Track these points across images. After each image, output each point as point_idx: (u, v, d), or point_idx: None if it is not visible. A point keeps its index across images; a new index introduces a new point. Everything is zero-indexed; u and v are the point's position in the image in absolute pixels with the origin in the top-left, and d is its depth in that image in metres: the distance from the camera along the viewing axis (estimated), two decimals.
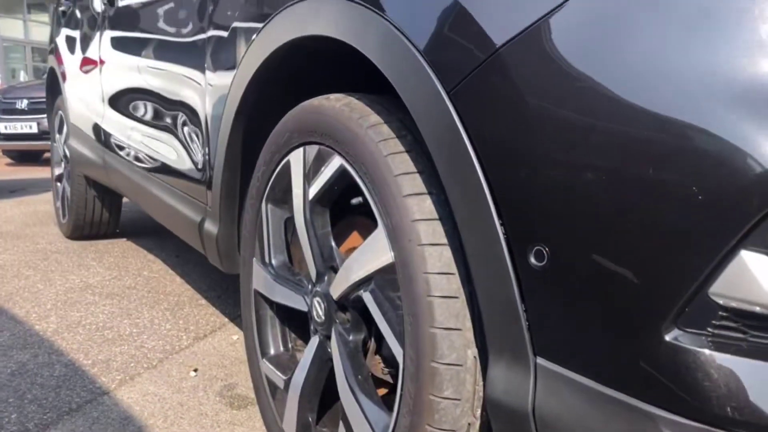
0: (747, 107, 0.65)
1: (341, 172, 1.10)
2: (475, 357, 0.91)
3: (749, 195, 0.64)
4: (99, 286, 2.64)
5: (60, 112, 3.48)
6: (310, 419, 1.25)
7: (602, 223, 0.72)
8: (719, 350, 0.67)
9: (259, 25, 1.29)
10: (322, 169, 1.15)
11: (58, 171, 3.65)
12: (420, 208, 0.94)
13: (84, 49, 2.87)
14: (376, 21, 0.97)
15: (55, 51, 3.50)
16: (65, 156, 3.43)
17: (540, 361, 0.80)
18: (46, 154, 9.56)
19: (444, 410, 0.90)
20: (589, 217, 0.73)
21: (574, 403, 0.76)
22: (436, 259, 0.91)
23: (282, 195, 1.31)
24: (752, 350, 0.67)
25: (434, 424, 0.91)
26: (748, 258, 0.65)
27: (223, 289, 2.61)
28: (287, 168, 1.26)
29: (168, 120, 1.89)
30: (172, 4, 1.86)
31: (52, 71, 3.54)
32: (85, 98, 2.89)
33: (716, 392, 0.66)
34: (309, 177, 1.19)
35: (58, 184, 3.64)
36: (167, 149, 1.92)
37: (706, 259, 0.66)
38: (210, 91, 1.55)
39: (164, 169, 1.98)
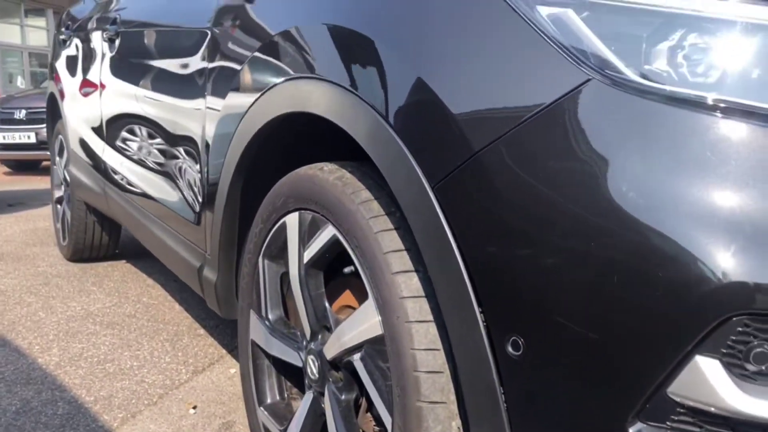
0: (707, 228, 0.71)
1: (334, 242, 1.16)
2: (459, 428, 0.97)
3: (704, 306, 0.71)
4: (100, 314, 2.70)
5: (60, 136, 3.53)
6: None
7: (572, 323, 0.78)
8: None
9: (257, 94, 1.35)
10: (317, 235, 1.21)
11: (58, 193, 3.71)
12: (407, 285, 1.00)
13: (83, 77, 2.93)
14: (365, 110, 1.03)
15: (54, 76, 3.56)
16: (65, 180, 3.48)
17: None
18: (45, 163, 9.60)
19: None
20: (560, 316, 0.79)
21: None
22: (423, 336, 0.98)
23: (278, 252, 1.37)
24: None
25: None
26: (702, 363, 0.71)
27: (220, 318, 2.67)
28: (283, 228, 1.32)
29: (169, 166, 1.95)
30: (172, 64, 1.92)
31: (52, 96, 3.60)
32: (86, 127, 2.95)
33: None
34: (304, 241, 1.25)
35: (59, 206, 3.70)
36: (168, 193, 1.98)
37: (665, 363, 0.73)
38: (210, 142, 1.61)
39: (164, 212, 2.04)
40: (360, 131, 1.05)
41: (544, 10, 0.85)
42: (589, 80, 0.79)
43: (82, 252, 3.46)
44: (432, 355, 0.97)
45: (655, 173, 0.75)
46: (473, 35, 0.91)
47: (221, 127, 1.54)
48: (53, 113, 3.66)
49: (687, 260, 0.71)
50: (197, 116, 1.68)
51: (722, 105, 0.74)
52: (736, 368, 0.71)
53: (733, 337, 0.71)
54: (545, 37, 0.84)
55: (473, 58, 0.91)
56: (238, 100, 1.45)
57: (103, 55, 2.59)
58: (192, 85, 1.73)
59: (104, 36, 2.57)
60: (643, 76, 0.78)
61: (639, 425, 0.75)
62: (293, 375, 1.44)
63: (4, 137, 8.86)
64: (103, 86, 2.62)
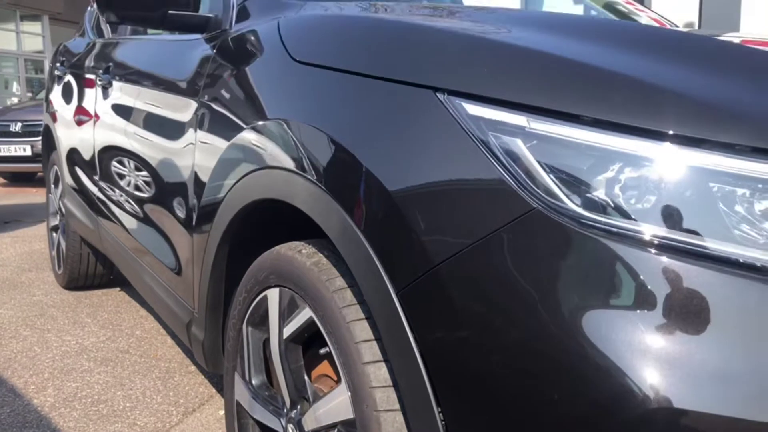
0: (628, 354, 0.79)
1: (311, 323, 1.24)
2: None
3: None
4: (94, 349, 2.77)
5: (55, 166, 3.60)
6: None
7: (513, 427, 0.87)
8: None
9: (241, 174, 1.42)
10: (295, 313, 1.29)
11: (53, 222, 3.78)
12: (376, 376, 1.08)
13: (77, 118, 3.00)
14: (339, 212, 1.10)
15: (49, 107, 3.64)
16: (60, 210, 3.56)
17: None
18: (40, 174, 9.66)
19: None
20: (510, 425, 0.88)
21: None
22: (390, 424, 1.05)
23: (260, 320, 1.45)
24: None
25: None
26: None
27: None
28: (265, 300, 1.40)
29: (160, 222, 2.02)
30: (160, 128, 1.99)
31: (47, 128, 3.67)
32: (80, 164, 3.02)
33: None
34: (284, 317, 1.33)
35: (54, 234, 3.76)
36: (160, 247, 2.06)
37: None
38: (196, 213, 1.69)
39: (156, 264, 2.11)
40: (334, 230, 1.12)
41: (495, 138, 0.93)
42: (533, 209, 0.87)
43: (77, 281, 3.53)
44: None
45: (592, 300, 0.83)
46: (435, 157, 0.99)
47: (208, 198, 1.62)
48: (48, 144, 3.73)
49: (615, 384, 0.79)
50: (186, 174, 1.76)
51: (655, 241, 0.82)
52: None
53: None
54: (496, 164, 0.92)
55: (435, 177, 0.98)
56: (223, 178, 1.52)
57: (96, 99, 2.67)
58: (180, 147, 1.81)
59: (97, 81, 2.64)
60: (583, 207, 0.86)
61: None
62: None
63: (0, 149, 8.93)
64: (95, 128, 2.69)
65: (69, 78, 3.22)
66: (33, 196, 8.15)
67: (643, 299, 0.81)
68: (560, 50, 0.99)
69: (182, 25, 1.82)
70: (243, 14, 1.69)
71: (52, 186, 3.76)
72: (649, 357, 0.79)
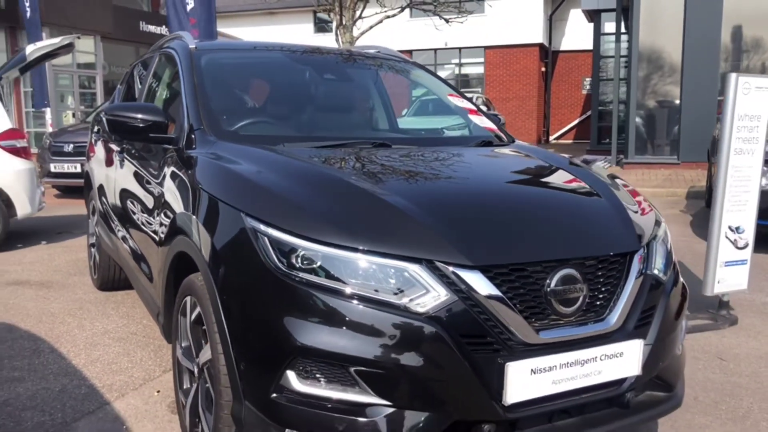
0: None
1: (200, 315, 2.52)
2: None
3: (284, 352, 2.06)
4: (113, 331, 4.12)
5: (92, 201, 4.99)
6: None
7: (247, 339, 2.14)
8: None
9: (175, 236, 2.73)
10: (195, 309, 2.58)
11: (91, 240, 5.17)
12: (217, 339, 2.35)
13: (105, 172, 4.37)
14: (206, 268, 2.39)
15: (89, 153, 5.04)
16: (95, 233, 4.94)
17: None
18: None
19: None
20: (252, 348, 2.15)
21: None
22: (222, 360, 2.33)
23: (184, 312, 2.74)
24: None
25: None
26: (289, 374, 2.06)
27: None
28: (186, 303, 2.69)
29: (145, 252, 3.36)
30: (146, 187, 3.32)
31: (87, 173, 5.08)
32: (106, 204, 4.38)
33: None
34: (192, 311, 2.62)
35: (92, 249, 5.16)
36: (146, 267, 3.39)
37: (277, 372, 2.07)
38: (160, 257, 3.00)
39: (143, 277, 3.45)
40: (204, 275, 2.41)
41: (260, 236, 2.19)
42: (269, 269, 2.13)
43: (107, 284, 4.91)
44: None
45: (281, 305, 2.09)
46: (241, 243, 2.27)
47: (163, 246, 2.93)
48: (88, 184, 5.13)
49: (277, 336, 2.05)
50: (157, 229, 3.08)
51: (312, 282, 2.07)
52: (301, 375, 2.04)
53: (301, 366, 2.04)
54: (258, 248, 2.18)
55: (238, 249, 2.26)
56: (170, 236, 2.83)
57: (115, 165, 4.03)
58: (155, 214, 3.13)
59: (115, 154, 4.01)
60: (287, 268, 2.11)
61: (275, 395, 2.09)
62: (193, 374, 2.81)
63: (54, 167, 10.53)
64: (115, 184, 4.05)
65: (100, 143, 4.60)
66: (81, 207, 9.57)
67: (302, 308, 2.06)
68: (295, 197, 2.26)
69: (159, 141, 3.15)
70: (189, 141, 2.99)
71: (91, 215, 5.15)
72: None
